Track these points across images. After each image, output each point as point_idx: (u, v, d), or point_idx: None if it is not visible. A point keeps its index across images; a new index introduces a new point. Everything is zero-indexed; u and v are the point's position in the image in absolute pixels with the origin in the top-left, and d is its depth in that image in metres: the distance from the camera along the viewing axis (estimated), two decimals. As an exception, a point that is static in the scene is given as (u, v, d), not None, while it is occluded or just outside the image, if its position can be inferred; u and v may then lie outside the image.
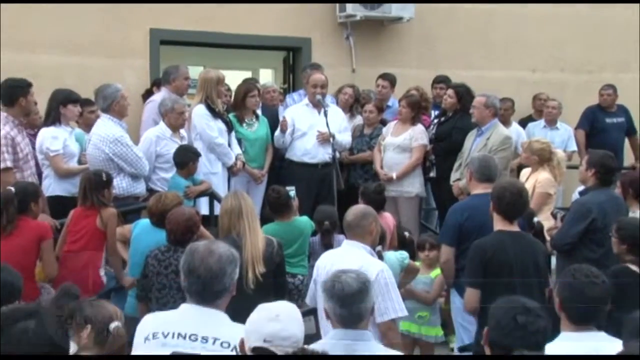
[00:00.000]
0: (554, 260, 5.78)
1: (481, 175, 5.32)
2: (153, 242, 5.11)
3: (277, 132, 7.43)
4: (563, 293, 3.39)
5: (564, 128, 9.09)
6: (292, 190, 6.06)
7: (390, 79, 8.33)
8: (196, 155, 6.54)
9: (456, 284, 5.24)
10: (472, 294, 4.51)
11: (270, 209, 5.87)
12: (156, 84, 7.87)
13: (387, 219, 6.09)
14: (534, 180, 6.53)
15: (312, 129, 7.38)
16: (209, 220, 6.29)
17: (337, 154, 7.29)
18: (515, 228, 4.71)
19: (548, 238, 5.70)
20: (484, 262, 4.53)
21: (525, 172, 6.81)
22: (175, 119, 6.75)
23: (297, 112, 7.55)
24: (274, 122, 7.61)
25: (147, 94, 7.86)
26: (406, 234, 6.14)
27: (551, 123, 9.05)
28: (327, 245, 5.74)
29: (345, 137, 7.54)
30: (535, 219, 5.61)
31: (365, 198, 6.04)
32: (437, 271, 5.91)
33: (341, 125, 7.54)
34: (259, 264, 4.54)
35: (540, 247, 4.77)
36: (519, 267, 4.55)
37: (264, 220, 6.04)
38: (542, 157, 6.55)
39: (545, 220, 6.01)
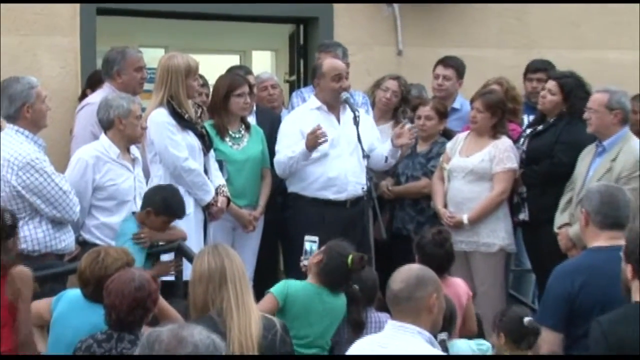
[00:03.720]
0: None
1: (604, 218, 5.29)
2: (86, 325, 5.09)
3: (292, 153, 7.39)
4: None
5: None
6: (314, 243, 6.16)
7: (455, 66, 8.37)
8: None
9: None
10: None
11: (323, 271, 5.81)
12: (91, 82, 7.86)
13: (458, 287, 6.12)
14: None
15: (335, 147, 7.42)
16: (174, 291, 6.31)
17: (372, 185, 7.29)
18: None
19: None
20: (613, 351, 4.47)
21: (676, 213, 6.79)
22: (134, 128, 6.75)
23: (305, 119, 7.54)
24: (273, 134, 7.65)
25: (84, 96, 7.82)
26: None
27: None
28: (357, 324, 5.75)
29: (378, 157, 7.55)
30: None
31: (422, 254, 6.05)
32: None
33: (371, 136, 7.58)
34: (252, 357, 4.54)
35: None
36: None
37: (259, 291, 6.01)
38: None
39: None
